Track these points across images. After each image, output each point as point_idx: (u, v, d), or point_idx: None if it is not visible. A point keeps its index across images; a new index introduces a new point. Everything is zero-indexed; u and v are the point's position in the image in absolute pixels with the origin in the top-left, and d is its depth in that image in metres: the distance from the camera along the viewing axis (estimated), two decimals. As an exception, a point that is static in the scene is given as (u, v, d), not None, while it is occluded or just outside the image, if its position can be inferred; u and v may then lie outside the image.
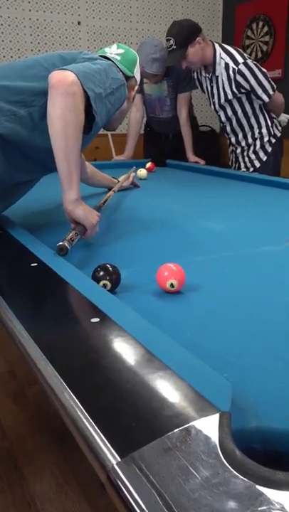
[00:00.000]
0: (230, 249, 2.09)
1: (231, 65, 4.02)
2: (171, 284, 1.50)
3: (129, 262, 1.90)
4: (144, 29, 6.92)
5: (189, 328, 1.32)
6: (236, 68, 4.00)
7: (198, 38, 4.03)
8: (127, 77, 2.37)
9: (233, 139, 4.53)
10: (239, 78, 4.01)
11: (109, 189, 3.08)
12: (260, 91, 4.06)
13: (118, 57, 2.38)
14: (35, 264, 1.56)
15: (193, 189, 3.75)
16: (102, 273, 1.51)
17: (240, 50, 4.18)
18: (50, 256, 1.66)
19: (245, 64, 4.00)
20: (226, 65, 4.06)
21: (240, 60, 4.03)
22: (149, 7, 6.92)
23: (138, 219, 2.68)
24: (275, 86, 4.14)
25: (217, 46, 4.14)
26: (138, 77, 2.53)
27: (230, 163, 4.74)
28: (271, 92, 4.09)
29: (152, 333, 1.12)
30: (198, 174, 4.35)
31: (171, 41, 4.01)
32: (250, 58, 4.12)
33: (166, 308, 1.46)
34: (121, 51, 2.42)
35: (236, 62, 4.01)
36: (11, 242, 1.84)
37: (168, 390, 0.86)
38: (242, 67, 3.99)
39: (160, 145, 5.29)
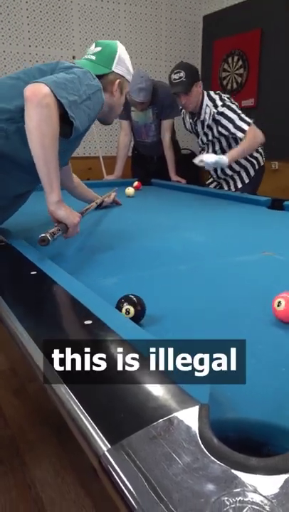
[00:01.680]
0: (211, 259, 2.09)
1: (212, 109, 3.95)
2: (279, 303, 1.39)
3: (117, 270, 1.90)
4: (131, 62, 6.91)
5: (172, 329, 1.32)
6: (216, 111, 3.92)
7: (200, 82, 3.92)
8: (106, 74, 2.36)
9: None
10: (218, 117, 3.93)
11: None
12: (232, 128, 3.93)
13: (93, 57, 2.38)
14: (35, 272, 1.56)
15: (176, 205, 3.76)
16: (125, 303, 1.37)
17: (222, 95, 4.05)
18: (48, 265, 1.66)
19: (223, 105, 3.92)
20: (210, 111, 3.97)
21: (219, 103, 3.94)
22: (136, 43, 6.95)
23: (126, 231, 2.68)
24: (250, 122, 3.93)
25: (205, 94, 4.02)
26: (123, 69, 2.48)
27: (207, 182, 4.71)
28: (245, 127, 3.90)
29: (139, 334, 1.12)
30: (180, 192, 4.35)
31: (182, 74, 3.79)
32: (229, 100, 4.02)
33: (152, 311, 1.46)
34: (98, 49, 2.41)
35: (216, 106, 3.94)
36: (13, 253, 1.84)
37: (153, 384, 0.86)
38: (220, 108, 3.90)
39: (146, 166, 5.29)
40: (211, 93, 4.05)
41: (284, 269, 1.94)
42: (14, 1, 6.04)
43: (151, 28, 7.06)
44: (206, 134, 4.19)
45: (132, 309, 1.33)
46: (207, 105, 3.99)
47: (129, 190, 4.01)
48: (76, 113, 1.97)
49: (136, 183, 4.38)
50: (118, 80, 2.46)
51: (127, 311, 1.32)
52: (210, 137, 4.15)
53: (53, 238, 1.81)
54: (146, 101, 4.62)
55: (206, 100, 3.99)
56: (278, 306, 1.37)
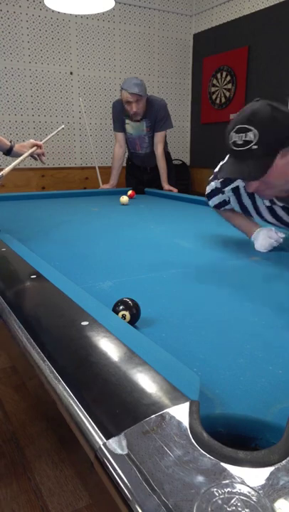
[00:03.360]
0: (201, 263, 2.10)
1: None
2: None
3: (113, 274, 1.90)
4: (126, 78, 6.93)
5: (164, 330, 1.32)
6: None
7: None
8: None
9: None
10: None
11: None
12: None
13: None
14: (35, 276, 1.56)
15: (167, 213, 3.76)
16: (121, 307, 1.37)
17: None
18: (47, 269, 1.66)
19: None
20: None
21: None
22: (130, 59, 6.96)
23: (120, 237, 2.68)
24: None
25: None
26: None
27: None
28: None
29: (133, 334, 1.12)
30: (172, 200, 4.36)
31: (251, 134, 1.77)
32: None
33: (146, 314, 1.46)
34: None
35: None
36: (15, 258, 1.83)
37: (146, 382, 0.87)
38: None
39: (139, 176, 5.30)
40: None
41: (269, 273, 1.95)
42: (15, 20, 6.05)
43: (144, 46, 7.06)
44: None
45: (127, 315, 1.33)
46: None
47: (124, 199, 4.01)
48: None
49: (130, 192, 4.39)
50: None
51: (123, 316, 1.32)
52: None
53: None
54: (140, 99, 4.61)
55: None
56: None
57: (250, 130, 1.75)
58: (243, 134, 1.77)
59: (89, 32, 6.59)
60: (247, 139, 1.76)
